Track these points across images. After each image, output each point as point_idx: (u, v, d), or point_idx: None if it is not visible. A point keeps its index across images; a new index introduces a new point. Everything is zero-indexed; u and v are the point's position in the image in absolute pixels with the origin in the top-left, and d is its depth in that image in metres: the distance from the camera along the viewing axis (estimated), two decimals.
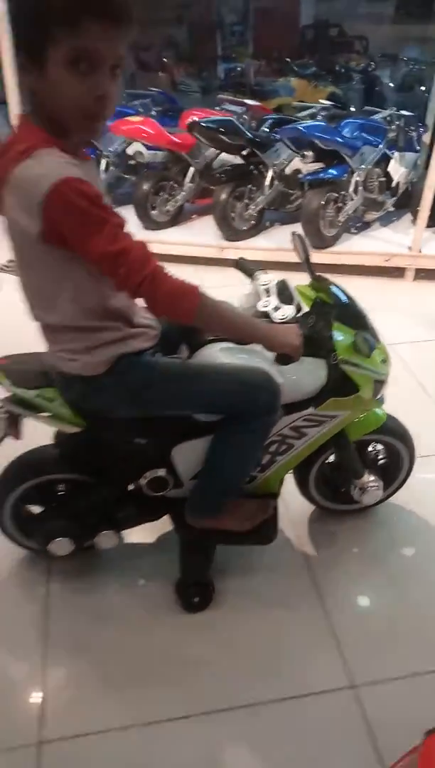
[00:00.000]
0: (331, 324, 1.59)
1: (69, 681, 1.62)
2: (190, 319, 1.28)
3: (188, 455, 1.63)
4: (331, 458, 1.94)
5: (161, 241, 3.68)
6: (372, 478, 1.89)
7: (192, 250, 3.70)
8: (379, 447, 2.00)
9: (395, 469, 1.99)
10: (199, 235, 3.84)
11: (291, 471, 1.85)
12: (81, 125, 1.18)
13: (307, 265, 1.74)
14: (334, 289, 1.68)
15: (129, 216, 3.94)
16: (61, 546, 1.72)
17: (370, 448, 2.00)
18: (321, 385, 1.63)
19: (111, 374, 1.42)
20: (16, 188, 1.15)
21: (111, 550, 1.82)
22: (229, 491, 1.66)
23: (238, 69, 6.05)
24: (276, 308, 1.57)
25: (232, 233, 3.74)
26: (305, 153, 3.52)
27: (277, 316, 1.55)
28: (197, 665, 1.65)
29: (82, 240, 1.16)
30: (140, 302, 1.36)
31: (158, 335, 1.52)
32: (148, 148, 3.96)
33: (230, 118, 3.68)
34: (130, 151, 4.02)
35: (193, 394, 1.52)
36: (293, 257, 1.78)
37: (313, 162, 3.61)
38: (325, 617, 1.76)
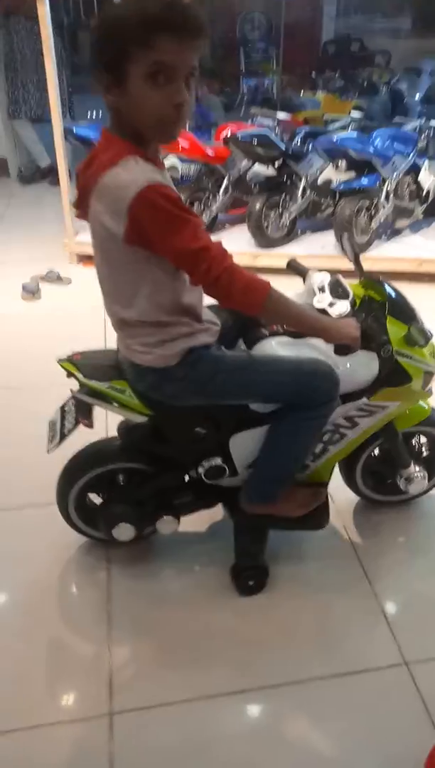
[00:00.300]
0: (385, 318, 1.68)
1: (133, 658, 1.72)
2: (260, 310, 1.39)
3: (244, 444, 1.72)
4: (376, 451, 2.02)
5: None
6: (418, 468, 1.97)
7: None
8: (423, 440, 2.07)
9: None
10: (234, 243, 3.94)
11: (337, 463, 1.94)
12: (161, 132, 1.29)
13: (356, 265, 1.83)
14: (385, 285, 1.77)
15: None
16: (124, 531, 1.82)
17: (414, 441, 2.07)
18: (373, 376, 1.71)
19: (181, 365, 1.52)
20: (105, 194, 1.27)
21: (165, 539, 1.92)
22: (285, 478, 1.75)
23: (266, 84, 6.20)
24: (331, 304, 1.65)
25: (265, 241, 3.86)
26: (338, 163, 3.63)
27: (335, 311, 1.63)
28: (254, 644, 1.74)
29: (166, 238, 1.27)
30: (206, 300, 1.48)
31: (219, 331, 1.62)
32: (183, 161, 4.09)
33: (265, 131, 3.81)
34: (165, 164, 4.16)
35: (257, 384, 1.61)
36: (325, 263, 1.90)
37: (346, 172, 3.72)
38: (376, 600, 1.84)
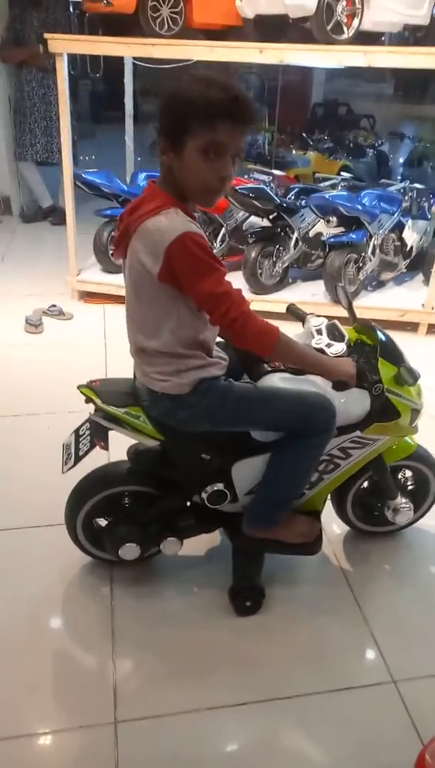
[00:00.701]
0: (377, 360, 1.86)
1: (137, 671, 1.81)
2: (270, 352, 1.59)
3: (246, 471, 1.86)
4: (366, 484, 2.18)
5: None
6: (404, 499, 2.12)
7: None
8: (408, 473, 2.23)
9: (423, 494, 2.22)
10: None
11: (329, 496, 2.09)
12: (202, 197, 1.51)
13: (349, 311, 2.02)
14: (377, 330, 1.96)
15: None
16: (130, 551, 1.93)
17: (400, 475, 2.23)
18: (365, 412, 1.87)
19: (194, 394, 1.68)
20: (147, 236, 1.46)
21: (166, 561, 2.04)
22: (286, 503, 1.89)
23: (259, 141, 6.56)
24: (328, 345, 1.84)
25: (259, 288, 4.07)
26: (330, 218, 3.89)
27: (332, 351, 1.82)
28: (251, 660, 1.84)
29: (193, 280, 1.46)
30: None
31: (226, 366, 1.79)
32: None
33: (262, 186, 4.06)
34: None
35: (262, 412, 1.77)
36: (314, 309, 2.10)
37: (336, 227, 3.98)
38: (365, 623, 1.96)
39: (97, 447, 1.84)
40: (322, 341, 1.86)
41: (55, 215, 5.67)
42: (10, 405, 2.97)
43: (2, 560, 2.13)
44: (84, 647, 1.88)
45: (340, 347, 1.83)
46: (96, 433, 1.86)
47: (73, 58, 5.62)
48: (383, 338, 1.95)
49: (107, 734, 1.62)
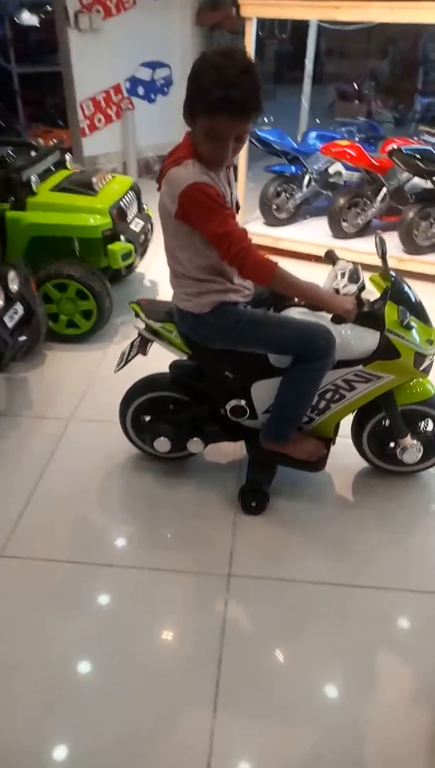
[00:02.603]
0: (385, 302, 2.03)
1: (251, 540, 2.20)
2: (267, 282, 1.87)
3: (263, 391, 2.14)
4: (387, 422, 2.29)
5: (347, 249, 4.23)
6: (414, 441, 2.25)
7: (372, 259, 4.18)
8: (429, 425, 2.36)
9: None
10: None
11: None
12: (208, 162, 1.78)
13: (383, 261, 2.17)
14: (394, 277, 2.11)
15: (321, 225, 4.54)
16: (162, 444, 2.31)
17: (422, 424, 2.36)
18: (371, 349, 2.06)
19: (212, 314, 2.00)
20: (168, 182, 1.81)
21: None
22: (293, 420, 2.15)
23: None
24: (344, 286, 2.05)
25: (413, 248, 4.18)
26: None
27: (344, 291, 2.04)
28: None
29: (200, 222, 1.78)
30: None
31: (252, 295, 2.09)
32: (347, 168, 4.52)
33: (429, 148, 4.13)
34: (331, 170, 4.61)
35: (269, 335, 2.03)
36: None
37: None
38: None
39: (140, 354, 2.26)
40: (340, 283, 2.07)
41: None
42: None
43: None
44: (210, 519, 2.30)
45: (351, 288, 2.03)
46: (141, 343, 2.27)
47: (262, 20, 5.91)
48: (397, 285, 2.10)
49: (221, 582, 2.04)
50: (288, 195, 4.64)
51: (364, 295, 2.06)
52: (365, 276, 2.11)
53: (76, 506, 2.34)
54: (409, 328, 2.03)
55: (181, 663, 1.81)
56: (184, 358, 2.21)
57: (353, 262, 2.14)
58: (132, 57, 5.68)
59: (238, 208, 2.04)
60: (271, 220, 4.64)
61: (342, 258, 2.19)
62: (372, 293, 2.12)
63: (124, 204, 3.40)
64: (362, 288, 2.05)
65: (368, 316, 2.01)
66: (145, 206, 3.84)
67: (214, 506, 2.34)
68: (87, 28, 5.24)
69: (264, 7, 4.07)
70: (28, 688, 1.73)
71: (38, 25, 6.88)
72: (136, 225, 3.55)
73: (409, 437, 2.25)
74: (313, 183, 4.64)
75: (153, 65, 5.94)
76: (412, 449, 2.25)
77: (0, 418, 2.79)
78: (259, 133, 4.43)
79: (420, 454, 2.28)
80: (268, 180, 4.63)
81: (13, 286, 2.67)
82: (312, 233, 4.55)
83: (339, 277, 2.09)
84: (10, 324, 2.59)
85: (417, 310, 2.11)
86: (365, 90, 8.52)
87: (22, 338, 2.73)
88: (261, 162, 4.99)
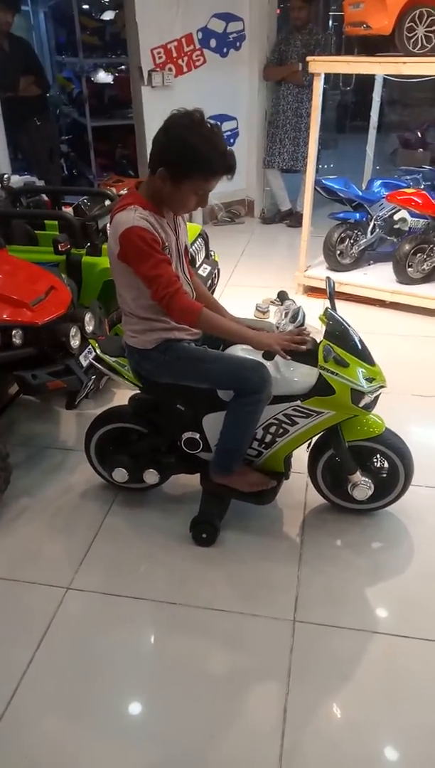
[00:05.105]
0: (321, 341, 2.07)
1: (317, 586, 2.17)
2: (194, 324, 2.00)
3: (214, 424, 2.21)
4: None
5: (412, 294, 4.22)
6: (364, 478, 2.25)
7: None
8: (379, 457, 2.35)
9: (391, 479, 2.33)
10: None
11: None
12: (180, 211, 2.03)
13: (330, 300, 2.23)
14: (332, 315, 2.15)
15: (385, 271, 4.55)
16: (119, 474, 2.42)
17: (375, 460, 2.36)
18: (310, 386, 2.10)
19: (156, 350, 2.11)
20: (113, 226, 1.95)
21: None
22: (235, 452, 2.21)
23: None
24: (284, 324, 2.12)
25: None
26: None
27: (281, 328, 2.11)
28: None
29: (136, 264, 1.91)
30: None
31: (199, 333, 2.17)
32: (413, 215, 4.54)
33: None
34: (396, 216, 4.64)
35: (205, 371, 2.12)
36: None
37: None
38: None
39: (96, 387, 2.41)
40: (281, 321, 2.15)
41: (292, 218, 6.22)
42: None
43: None
44: (275, 562, 2.29)
45: (289, 327, 2.10)
46: (98, 377, 2.43)
47: (327, 74, 6.10)
48: (334, 324, 2.14)
49: (286, 627, 2.02)
50: (352, 241, 4.69)
51: (314, 334, 2.15)
52: (366, 316, 2.21)
53: (142, 546, 2.38)
54: (343, 365, 2.06)
55: None
56: (134, 390, 2.33)
57: (296, 303, 2.22)
58: None
59: (186, 252, 2.18)
60: (335, 266, 4.69)
61: (290, 299, 2.28)
62: (321, 333, 2.19)
63: (194, 250, 3.52)
64: (300, 326, 2.12)
65: (307, 354, 2.07)
66: (212, 252, 3.95)
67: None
68: (159, 85, 5.53)
69: (332, 64, 4.21)
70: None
71: (111, 82, 7.30)
72: (204, 270, 3.66)
73: (358, 473, 2.25)
74: (377, 229, 4.68)
75: (221, 119, 6.19)
76: (362, 486, 2.25)
77: (71, 453, 2.88)
78: (323, 181, 4.52)
79: (370, 492, 2.27)
80: (333, 226, 4.70)
81: (89, 328, 2.77)
82: (376, 278, 4.57)
83: (282, 315, 2.18)
84: (84, 363, 2.68)
85: (357, 349, 2.14)
86: (429, 138, 8.59)
87: (94, 377, 2.83)
88: (324, 209, 5.08)
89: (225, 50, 5.90)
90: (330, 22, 10.07)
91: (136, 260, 1.91)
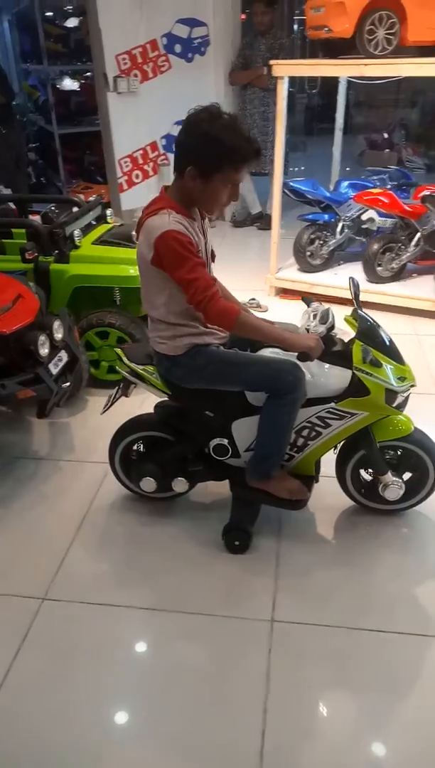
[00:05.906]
0: (353, 341, 2.08)
1: (296, 589, 2.17)
2: (230, 328, 1.98)
3: (243, 429, 2.19)
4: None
5: (382, 293, 4.26)
6: (394, 477, 2.23)
7: (409, 302, 4.22)
8: (408, 456, 2.33)
9: (422, 478, 2.32)
10: (419, 289, 4.34)
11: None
12: (213, 210, 2.00)
13: (355, 301, 2.23)
14: (362, 316, 2.15)
15: (355, 271, 4.59)
16: (147, 484, 2.36)
17: (402, 457, 2.34)
18: (344, 387, 2.09)
19: (185, 356, 2.09)
20: (145, 231, 1.92)
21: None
22: (272, 457, 2.17)
23: None
24: (314, 326, 2.11)
25: None
26: None
27: (312, 330, 2.10)
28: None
29: (172, 268, 1.89)
30: None
31: (226, 337, 2.15)
32: (381, 215, 4.59)
33: None
34: (364, 217, 4.68)
35: (237, 373, 2.10)
36: None
37: None
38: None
39: (123, 396, 2.36)
40: (311, 323, 2.14)
41: (262, 221, 6.24)
42: None
43: None
44: (250, 571, 2.29)
45: (320, 328, 2.09)
46: (124, 386, 2.35)
47: (292, 77, 6.15)
48: (365, 325, 2.14)
49: (264, 628, 2.02)
50: (321, 242, 4.72)
51: (341, 335, 2.14)
52: (340, 316, 2.18)
53: (120, 549, 2.35)
54: (377, 365, 2.06)
55: None
56: (162, 397, 2.28)
57: (324, 304, 2.21)
58: (168, 116, 5.92)
59: (213, 257, 2.17)
60: (306, 267, 4.71)
61: (316, 301, 2.27)
62: (348, 334, 2.18)
63: None
64: (331, 328, 2.11)
65: (339, 355, 2.07)
66: None
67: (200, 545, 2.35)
68: (125, 91, 5.52)
69: (295, 67, 4.25)
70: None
71: (78, 89, 7.28)
72: None
73: (389, 474, 2.24)
74: (346, 230, 4.72)
75: None
76: (393, 486, 2.24)
77: (43, 462, 2.85)
78: (291, 184, 4.55)
79: (401, 492, 2.26)
80: (302, 228, 4.72)
81: (58, 335, 2.75)
82: (346, 278, 4.58)
83: (311, 317, 2.17)
84: (54, 371, 2.66)
85: (387, 348, 2.15)
86: (395, 139, 8.71)
87: (66, 384, 2.80)
88: (293, 211, 5.11)
89: (190, 55, 5.91)
90: (295, 26, 10.16)
91: (172, 264, 1.88)
